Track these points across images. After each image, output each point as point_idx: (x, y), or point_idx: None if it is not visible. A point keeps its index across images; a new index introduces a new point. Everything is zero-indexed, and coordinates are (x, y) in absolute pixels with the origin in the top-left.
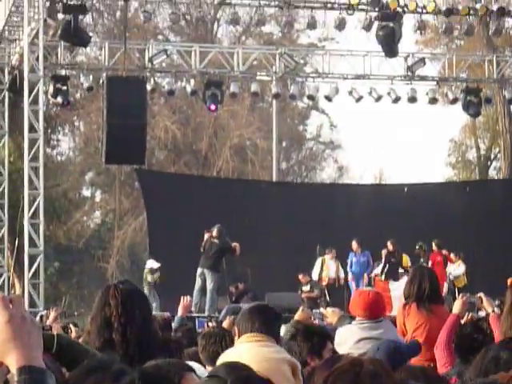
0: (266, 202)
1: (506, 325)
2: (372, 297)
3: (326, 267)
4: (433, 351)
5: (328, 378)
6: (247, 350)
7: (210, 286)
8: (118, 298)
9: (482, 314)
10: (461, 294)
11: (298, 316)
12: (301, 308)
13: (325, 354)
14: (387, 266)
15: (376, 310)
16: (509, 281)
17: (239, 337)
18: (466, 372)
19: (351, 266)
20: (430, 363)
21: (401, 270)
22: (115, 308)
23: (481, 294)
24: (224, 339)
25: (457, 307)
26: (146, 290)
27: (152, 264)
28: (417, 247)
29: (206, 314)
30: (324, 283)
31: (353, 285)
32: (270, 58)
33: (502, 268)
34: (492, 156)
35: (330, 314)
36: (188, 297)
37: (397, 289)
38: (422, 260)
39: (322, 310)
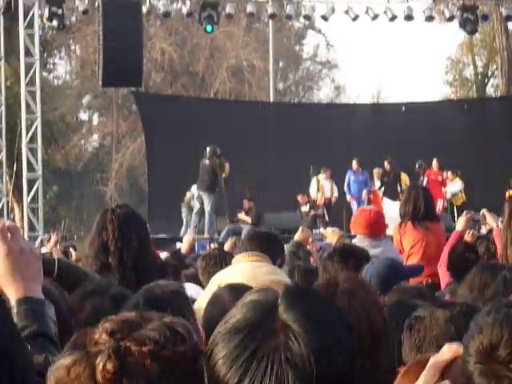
0: (263, 123)
1: (504, 238)
2: (373, 215)
3: (320, 187)
4: (431, 267)
5: None
6: (242, 271)
7: (207, 207)
8: (115, 222)
9: (483, 231)
10: (465, 211)
11: (297, 236)
12: (300, 228)
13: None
14: (382, 185)
15: (377, 228)
16: (507, 194)
17: None
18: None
19: (349, 185)
20: (428, 279)
21: (399, 189)
22: (112, 232)
23: (484, 211)
24: (224, 261)
25: (460, 224)
26: (185, 215)
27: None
28: (416, 166)
29: (206, 235)
30: (320, 203)
31: (354, 204)
32: None
33: (499, 185)
34: (489, 73)
35: (330, 234)
36: (191, 233)
37: (388, 210)
38: (421, 178)
39: (321, 229)
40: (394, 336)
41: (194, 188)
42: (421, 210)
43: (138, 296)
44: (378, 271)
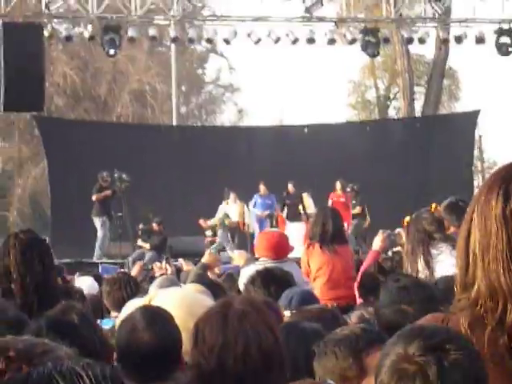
0: (167, 146)
1: (406, 263)
2: (276, 237)
3: (229, 211)
4: (336, 290)
5: (198, 322)
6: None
7: (98, 232)
8: (18, 248)
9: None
10: (380, 230)
11: (205, 259)
12: (207, 251)
13: None
14: (284, 207)
15: (280, 250)
16: (405, 221)
17: None
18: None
19: (254, 207)
20: (333, 302)
21: (301, 211)
22: (14, 257)
23: (400, 230)
24: (129, 284)
25: (377, 243)
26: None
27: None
28: (348, 189)
29: (94, 259)
30: (230, 227)
31: (256, 227)
32: (168, 2)
33: (401, 206)
34: (391, 96)
35: (237, 257)
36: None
37: (292, 231)
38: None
39: (229, 252)
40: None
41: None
42: (329, 233)
43: (40, 321)
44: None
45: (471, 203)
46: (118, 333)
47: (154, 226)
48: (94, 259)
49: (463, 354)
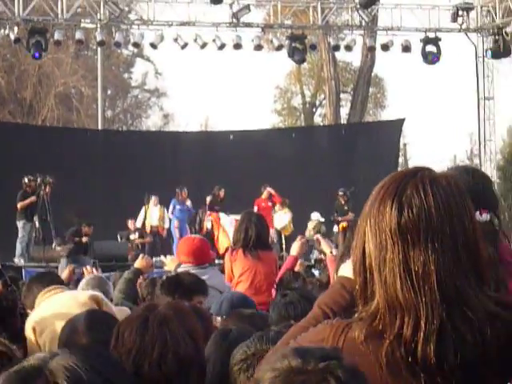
0: (92, 150)
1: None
2: (197, 243)
3: (148, 215)
4: (258, 296)
5: (120, 323)
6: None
7: (19, 235)
8: None
9: (316, 255)
10: (299, 236)
11: (137, 263)
12: (141, 255)
13: None
14: (213, 212)
15: (201, 256)
16: (340, 226)
17: None
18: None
19: (173, 214)
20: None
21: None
22: None
23: (318, 236)
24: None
25: (295, 249)
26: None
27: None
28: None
29: (15, 261)
30: (149, 231)
31: (176, 233)
32: (95, 5)
33: (326, 213)
34: (317, 103)
35: (169, 262)
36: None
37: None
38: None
39: (162, 257)
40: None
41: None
42: (252, 238)
43: None
44: (233, 299)
45: (362, 216)
46: (61, 333)
47: (85, 229)
48: (15, 261)
49: (351, 371)
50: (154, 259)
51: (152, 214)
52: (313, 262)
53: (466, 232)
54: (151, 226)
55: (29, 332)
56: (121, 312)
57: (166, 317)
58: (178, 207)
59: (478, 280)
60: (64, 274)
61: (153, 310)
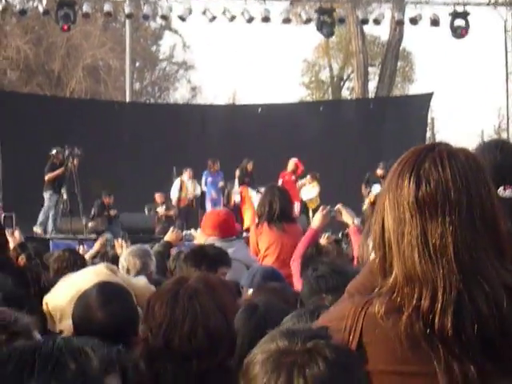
0: (120, 123)
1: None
2: (222, 216)
3: (184, 188)
4: (285, 269)
5: (151, 297)
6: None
7: (44, 205)
8: None
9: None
10: (321, 207)
11: (168, 237)
12: (171, 228)
13: None
14: (241, 185)
15: (226, 229)
16: (368, 200)
17: None
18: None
19: (206, 185)
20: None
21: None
22: None
23: (339, 206)
24: (76, 263)
25: (316, 221)
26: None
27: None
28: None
29: (36, 230)
30: (184, 204)
31: (209, 205)
32: None
33: (355, 187)
34: (345, 76)
35: (199, 235)
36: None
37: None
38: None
39: (192, 231)
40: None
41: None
42: (276, 211)
43: None
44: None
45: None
46: (74, 309)
47: (106, 199)
48: (34, 229)
49: (339, 350)
50: (184, 232)
51: (188, 187)
52: (340, 235)
53: (484, 206)
54: (188, 199)
55: (43, 305)
56: (138, 282)
57: (196, 290)
58: (209, 179)
59: (496, 253)
60: (95, 246)
61: (183, 284)
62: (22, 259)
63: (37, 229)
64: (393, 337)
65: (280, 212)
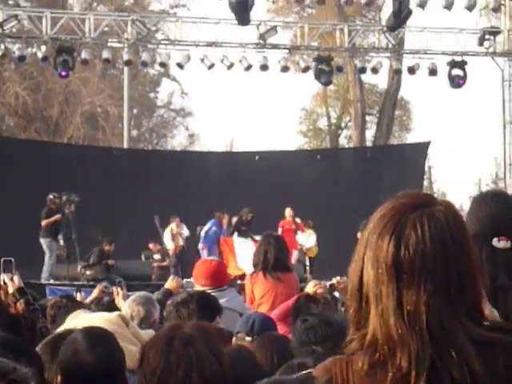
0: (117, 169)
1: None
2: (214, 265)
3: (176, 238)
4: (281, 317)
5: (146, 344)
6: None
7: (46, 254)
8: None
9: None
10: (314, 282)
11: (168, 284)
12: (171, 276)
13: None
14: (236, 233)
15: (219, 278)
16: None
17: None
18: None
19: (207, 234)
20: None
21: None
22: None
23: (338, 279)
24: (73, 310)
25: (310, 287)
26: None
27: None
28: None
29: (42, 281)
30: (177, 251)
31: (204, 253)
32: (122, 25)
33: (351, 234)
34: (343, 125)
35: (170, 281)
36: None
37: (244, 248)
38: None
39: (192, 279)
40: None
41: None
42: (271, 261)
43: None
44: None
45: (361, 241)
46: (61, 355)
47: (107, 247)
48: (42, 281)
49: None
50: (184, 280)
51: (178, 235)
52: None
53: (461, 269)
54: (180, 246)
55: None
56: (146, 335)
57: (191, 337)
58: (214, 229)
59: (472, 311)
60: (94, 292)
61: (178, 331)
62: (20, 305)
63: (47, 280)
64: None
65: (275, 261)
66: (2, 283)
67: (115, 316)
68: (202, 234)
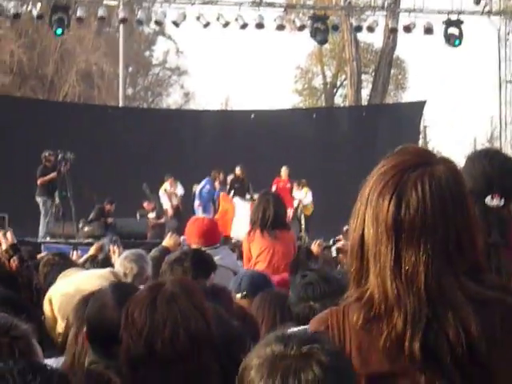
0: (113, 128)
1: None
2: (206, 223)
3: (172, 197)
4: (276, 275)
5: (129, 304)
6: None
7: (41, 212)
8: None
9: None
10: (318, 241)
11: (166, 242)
12: (169, 234)
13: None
14: (232, 191)
15: (211, 236)
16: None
17: None
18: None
19: (201, 193)
20: None
21: (247, 197)
22: None
23: (343, 242)
24: (66, 268)
25: (315, 246)
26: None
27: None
28: None
29: (38, 240)
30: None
31: (199, 211)
32: None
33: (345, 193)
34: (338, 83)
35: (168, 239)
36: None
37: (240, 209)
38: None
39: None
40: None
41: None
42: (269, 218)
43: None
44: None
45: (361, 198)
46: (89, 308)
47: (108, 206)
48: (38, 239)
49: (334, 355)
50: (181, 237)
51: (173, 194)
52: (331, 242)
53: (460, 228)
54: (172, 205)
55: (46, 305)
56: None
57: (174, 294)
58: (208, 187)
59: (473, 273)
60: (92, 249)
61: (160, 289)
62: (13, 261)
63: (43, 238)
64: (377, 345)
65: (273, 219)
66: None
67: (107, 272)
68: (197, 192)
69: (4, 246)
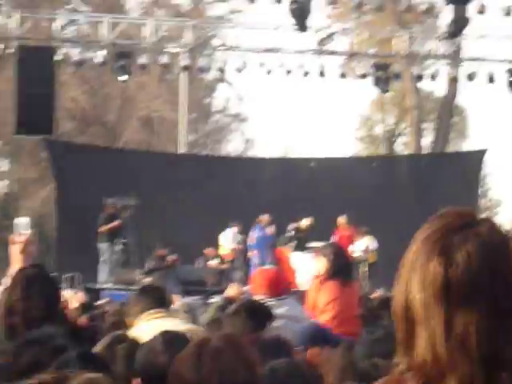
0: (172, 174)
1: None
2: (273, 274)
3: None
4: (344, 326)
5: (175, 360)
6: (150, 327)
7: (102, 258)
8: (23, 282)
9: None
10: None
11: (229, 291)
12: (232, 283)
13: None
14: (295, 241)
15: (278, 287)
16: None
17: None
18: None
19: (255, 240)
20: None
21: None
22: (19, 292)
23: None
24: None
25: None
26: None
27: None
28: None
29: (98, 285)
30: (230, 257)
31: (256, 259)
32: (180, 30)
33: (404, 243)
34: (399, 131)
35: (229, 288)
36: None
37: (301, 262)
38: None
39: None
40: None
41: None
42: (336, 269)
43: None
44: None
45: (405, 262)
46: (139, 352)
47: (160, 252)
48: (98, 285)
49: None
50: (244, 288)
51: (232, 241)
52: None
53: (508, 285)
54: (236, 248)
55: None
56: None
57: (219, 349)
58: (261, 234)
59: None
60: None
61: (205, 344)
62: (82, 319)
63: (104, 284)
64: None
65: (339, 269)
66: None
67: (186, 330)
68: (253, 241)
69: (74, 305)
